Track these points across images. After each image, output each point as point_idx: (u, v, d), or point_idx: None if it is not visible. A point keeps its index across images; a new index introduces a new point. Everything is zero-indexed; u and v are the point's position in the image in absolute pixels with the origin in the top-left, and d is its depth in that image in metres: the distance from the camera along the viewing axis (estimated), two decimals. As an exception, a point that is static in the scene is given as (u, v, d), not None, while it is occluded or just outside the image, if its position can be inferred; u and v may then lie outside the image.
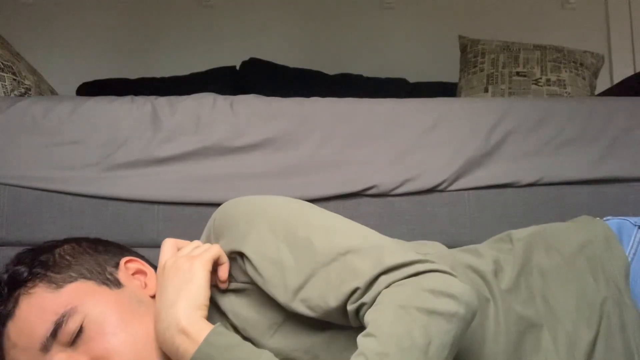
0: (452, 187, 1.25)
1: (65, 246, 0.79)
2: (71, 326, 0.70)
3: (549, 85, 2.04)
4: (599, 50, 2.27)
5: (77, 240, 0.81)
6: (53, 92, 1.71)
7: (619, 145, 1.29)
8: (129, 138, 1.20)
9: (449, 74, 2.42)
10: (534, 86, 2.03)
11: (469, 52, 2.22)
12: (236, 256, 0.75)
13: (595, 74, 2.16)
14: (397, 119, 1.28)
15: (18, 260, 0.77)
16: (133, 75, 2.51)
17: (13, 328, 0.71)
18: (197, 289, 0.70)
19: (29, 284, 0.73)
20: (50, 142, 1.21)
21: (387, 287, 0.64)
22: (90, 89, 2.40)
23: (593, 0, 2.99)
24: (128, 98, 1.28)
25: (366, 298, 0.64)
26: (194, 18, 2.85)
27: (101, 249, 0.80)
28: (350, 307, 0.65)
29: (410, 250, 0.69)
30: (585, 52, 2.16)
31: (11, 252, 1.18)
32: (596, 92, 2.18)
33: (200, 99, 1.27)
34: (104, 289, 0.75)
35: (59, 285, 0.73)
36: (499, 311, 0.75)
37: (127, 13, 2.82)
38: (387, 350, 0.58)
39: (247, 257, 0.73)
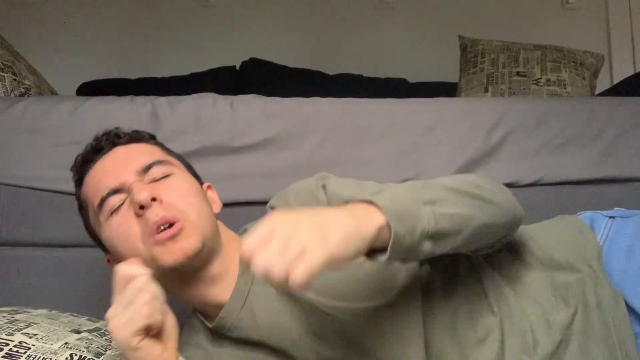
0: (452, 187, 1.25)
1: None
2: (164, 169, 0.84)
3: (549, 85, 2.04)
4: (599, 50, 2.27)
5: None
6: (53, 92, 1.71)
7: (619, 145, 1.29)
8: (129, 138, 1.21)
9: (449, 74, 2.42)
10: (534, 86, 2.03)
11: (469, 52, 2.21)
12: None
13: (595, 74, 2.16)
14: (397, 119, 1.28)
15: (138, 131, 0.92)
16: (133, 75, 2.51)
17: (124, 151, 0.86)
18: None
19: (150, 142, 0.91)
20: (50, 142, 1.21)
21: None
22: (90, 89, 2.40)
23: (593, 0, 2.99)
24: (128, 98, 1.29)
25: None
26: (194, 18, 2.85)
27: (194, 169, 0.94)
28: None
29: None
30: (585, 52, 2.16)
31: (11, 252, 1.19)
32: (596, 92, 2.18)
33: (200, 99, 1.27)
34: (193, 179, 0.88)
35: (169, 153, 0.91)
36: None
37: (127, 13, 2.82)
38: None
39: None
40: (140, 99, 1.27)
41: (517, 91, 2.04)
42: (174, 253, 0.76)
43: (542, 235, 0.88)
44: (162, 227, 0.77)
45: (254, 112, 1.26)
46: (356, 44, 2.86)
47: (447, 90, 2.31)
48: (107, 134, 0.89)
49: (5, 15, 2.66)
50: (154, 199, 0.78)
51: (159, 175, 0.82)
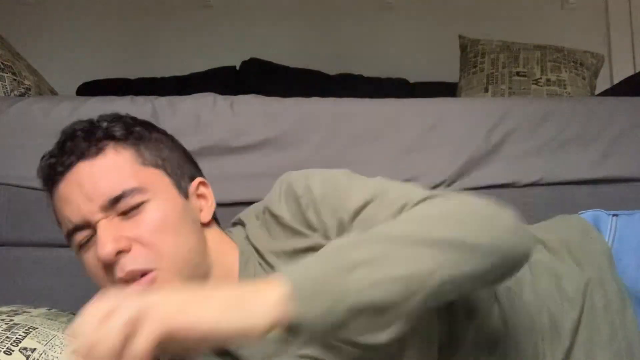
0: (452, 187, 1.25)
1: (164, 136, 0.83)
2: (134, 200, 0.72)
3: (549, 85, 2.04)
4: (599, 50, 2.27)
5: (172, 137, 0.85)
6: (53, 92, 1.71)
7: (619, 145, 1.29)
8: (129, 138, 1.21)
9: (449, 74, 2.42)
10: (534, 86, 2.03)
11: (469, 52, 2.21)
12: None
13: (595, 74, 2.16)
14: (397, 119, 1.28)
15: (117, 118, 0.79)
16: (133, 75, 2.51)
17: (87, 169, 0.73)
18: None
19: (121, 143, 0.75)
20: (50, 142, 1.20)
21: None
22: (90, 89, 2.40)
23: (593, 0, 2.99)
24: (128, 98, 1.28)
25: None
26: (194, 18, 2.85)
27: (188, 158, 0.84)
28: None
29: None
30: (585, 52, 2.16)
31: (11, 252, 1.19)
32: (596, 92, 2.18)
33: (200, 99, 1.27)
34: (174, 191, 0.77)
35: (144, 162, 0.76)
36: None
37: (127, 13, 2.82)
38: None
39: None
40: (140, 99, 1.27)
41: (517, 91, 2.04)
42: None
43: (546, 237, 0.86)
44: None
45: (254, 112, 1.26)
46: (356, 44, 2.86)
47: (447, 90, 2.31)
48: (69, 138, 0.76)
49: (5, 15, 2.66)
50: (120, 252, 0.69)
51: (128, 207, 0.71)
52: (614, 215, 0.86)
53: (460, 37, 2.31)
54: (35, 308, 0.89)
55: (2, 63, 1.49)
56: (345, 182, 0.75)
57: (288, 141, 1.24)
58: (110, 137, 0.76)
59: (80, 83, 2.49)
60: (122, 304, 0.49)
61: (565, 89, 2.03)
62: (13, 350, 0.73)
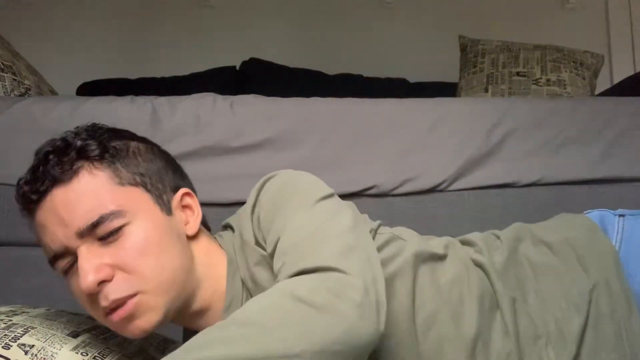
0: (452, 187, 1.25)
1: (141, 145, 0.78)
2: (113, 225, 0.69)
3: (549, 85, 2.04)
4: (599, 50, 2.27)
5: (153, 145, 0.79)
6: (53, 92, 1.71)
7: (619, 145, 1.29)
8: (129, 138, 1.21)
9: (449, 74, 2.42)
10: (534, 86, 2.03)
11: (469, 52, 2.22)
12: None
13: (595, 74, 2.16)
14: (397, 119, 1.28)
15: (91, 132, 0.75)
16: (133, 75, 2.51)
17: (62, 196, 0.70)
18: None
19: (96, 164, 0.72)
20: (50, 142, 1.21)
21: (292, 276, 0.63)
22: (90, 89, 2.40)
23: (593, 0, 2.99)
24: (128, 98, 1.28)
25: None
26: (194, 18, 2.85)
27: (170, 167, 0.79)
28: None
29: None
30: (585, 52, 2.16)
31: (11, 252, 1.19)
32: (596, 92, 2.18)
33: (200, 99, 1.27)
34: (155, 209, 0.73)
35: (121, 181, 0.72)
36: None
37: (127, 13, 2.82)
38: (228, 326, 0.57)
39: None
40: (140, 99, 1.27)
41: (517, 91, 2.04)
42: (131, 332, 0.69)
43: (552, 238, 0.84)
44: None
45: (254, 112, 1.26)
46: (356, 44, 2.86)
47: (447, 90, 2.31)
48: (41, 163, 0.72)
49: (5, 15, 2.66)
50: (102, 281, 0.68)
51: (106, 233, 0.69)
52: (620, 215, 0.84)
53: (460, 37, 2.31)
54: (34, 308, 0.89)
55: (2, 63, 1.49)
56: (293, 211, 0.72)
57: (288, 141, 1.24)
58: (84, 157, 0.72)
59: (80, 83, 2.49)
60: None
61: (565, 89, 2.03)
62: (11, 346, 0.73)
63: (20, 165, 1.21)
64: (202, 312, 0.75)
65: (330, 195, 0.73)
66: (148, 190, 0.74)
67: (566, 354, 0.74)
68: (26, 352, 0.73)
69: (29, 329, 0.78)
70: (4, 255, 1.18)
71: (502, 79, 2.07)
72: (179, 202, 0.77)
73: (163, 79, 2.49)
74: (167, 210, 0.75)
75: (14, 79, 1.49)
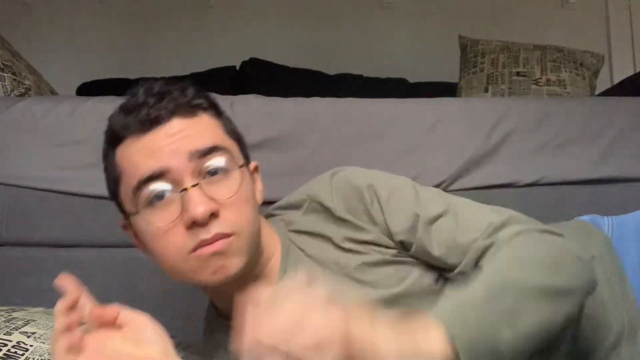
0: (452, 187, 1.25)
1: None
2: (223, 161, 0.71)
3: (549, 85, 2.04)
4: (599, 50, 2.27)
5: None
6: (53, 92, 1.71)
7: (619, 145, 1.29)
8: (129, 138, 1.20)
9: (449, 74, 2.42)
10: (534, 86, 2.03)
11: (469, 52, 2.22)
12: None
13: (595, 74, 2.16)
14: (397, 119, 1.28)
15: (198, 90, 0.77)
16: (133, 75, 2.51)
17: (182, 125, 0.71)
18: None
19: (208, 112, 0.75)
20: (50, 142, 1.21)
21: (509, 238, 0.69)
22: (90, 89, 2.40)
23: (593, 0, 2.99)
24: (128, 98, 1.28)
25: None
26: (194, 18, 2.85)
27: (243, 141, 0.81)
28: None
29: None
30: (585, 52, 2.16)
31: (11, 252, 1.19)
32: (596, 92, 2.18)
33: (200, 99, 1.27)
34: (245, 169, 0.76)
35: (227, 131, 0.76)
36: None
37: (127, 13, 2.82)
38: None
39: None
40: (140, 99, 1.27)
41: (517, 91, 2.04)
42: (214, 272, 0.69)
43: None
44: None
45: (254, 112, 1.26)
46: (356, 44, 2.86)
47: (447, 90, 2.31)
48: (165, 93, 0.73)
49: (5, 15, 2.66)
50: (211, 214, 0.68)
51: (215, 168, 0.71)
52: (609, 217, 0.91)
53: (460, 37, 2.31)
54: (33, 307, 0.89)
55: (2, 63, 1.49)
56: (410, 189, 0.79)
57: (288, 141, 1.24)
58: (198, 105, 0.75)
59: (80, 83, 2.49)
60: (329, 317, 0.52)
61: (565, 89, 2.03)
62: (13, 333, 0.75)
63: (20, 165, 1.21)
64: (256, 278, 0.76)
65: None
66: (241, 149, 0.78)
67: None
68: (29, 337, 0.74)
69: (30, 322, 0.79)
70: (4, 255, 1.18)
71: (502, 79, 2.07)
72: (253, 171, 0.81)
73: (163, 79, 2.49)
74: (250, 173, 0.78)
75: (14, 79, 1.49)
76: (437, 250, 0.74)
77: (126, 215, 0.75)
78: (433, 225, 0.74)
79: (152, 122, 0.71)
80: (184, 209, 0.68)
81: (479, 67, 2.14)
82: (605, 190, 1.27)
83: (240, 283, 0.71)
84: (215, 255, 0.68)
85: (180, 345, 0.92)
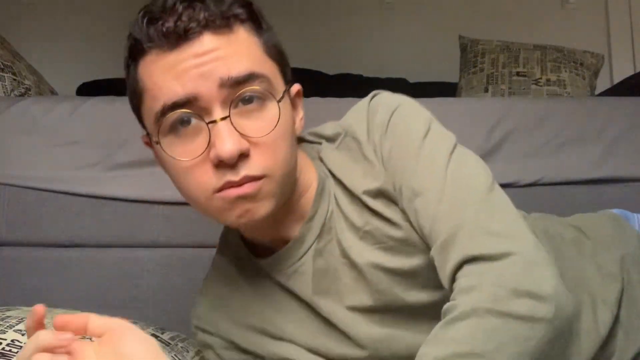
0: (452, 187, 1.25)
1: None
2: (259, 90, 0.62)
3: (549, 85, 2.04)
4: (599, 50, 2.27)
5: None
6: (53, 92, 1.71)
7: (619, 145, 1.29)
8: (129, 138, 1.20)
9: (449, 74, 2.42)
10: (534, 86, 2.03)
11: (469, 52, 2.22)
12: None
13: (595, 74, 2.16)
14: (397, 119, 1.28)
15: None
16: (133, 75, 2.51)
17: (215, 42, 0.61)
18: None
19: (246, 25, 0.66)
20: (50, 142, 1.21)
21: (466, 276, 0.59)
22: (90, 89, 2.40)
23: (593, 0, 2.99)
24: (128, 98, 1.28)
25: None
26: (194, 18, 2.85)
27: (285, 59, 0.71)
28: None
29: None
30: (585, 52, 2.16)
31: (11, 252, 1.19)
32: (596, 92, 2.18)
33: (200, 99, 1.27)
34: (286, 97, 0.67)
35: (268, 51, 0.66)
36: None
37: (128, 13, 2.81)
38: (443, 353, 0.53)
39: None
40: (140, 99, 1.27)
41: (517, 91, 2.04)
42: (239, 216, 0.63)
43: (579, 222, 0.87)
44: None
45: (254, 112, 1.26)
46: (356, 44, 2.86)
47: (447, 90, 2.31)
48: (190, 1, 0.61)
49: (5, 15, 2.66)
50: (241, 155, 0.61)
51: (251, 95, 0.62)
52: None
53: (460, 37, 2.31)
54: (28, 307, 0.89)
55: (2, 63, 1.49)
56: (419, 150, 0.74)
57: (288, 141, 1.24)
58: (236, 15, 0.64)
59: (80, 83, 2.49)
60: None
61: (565, 89, 2.03)
62: (7, 331, 0.75)
63: (20, 165, 1.21)
64: (287, 213, 0.70)
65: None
66: (282, 71, 0.68)
67: (606, 319, 0.74)
68: (23, 334, 0.75)
69: (24, 320, 0.79)
70: (4, 255, 1.18)
71: (502, 79, 2.07)
72: (294, 96, 0.72)
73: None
74: (290, 100, 0.70)
75: (14, 79, 1.49)
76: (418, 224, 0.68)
77: (148, 132, 0.68)
78: (415, 199, 0.68)
79: (178, 37, 0.60)
80: (210, 143, 0.60)
81: (479, 67, 2.14)
82: (605, 190, 1.27)
83: (269, 219, 0.65)
84: (241, 198, 0.61)
85: (178, 337, 0.93)
